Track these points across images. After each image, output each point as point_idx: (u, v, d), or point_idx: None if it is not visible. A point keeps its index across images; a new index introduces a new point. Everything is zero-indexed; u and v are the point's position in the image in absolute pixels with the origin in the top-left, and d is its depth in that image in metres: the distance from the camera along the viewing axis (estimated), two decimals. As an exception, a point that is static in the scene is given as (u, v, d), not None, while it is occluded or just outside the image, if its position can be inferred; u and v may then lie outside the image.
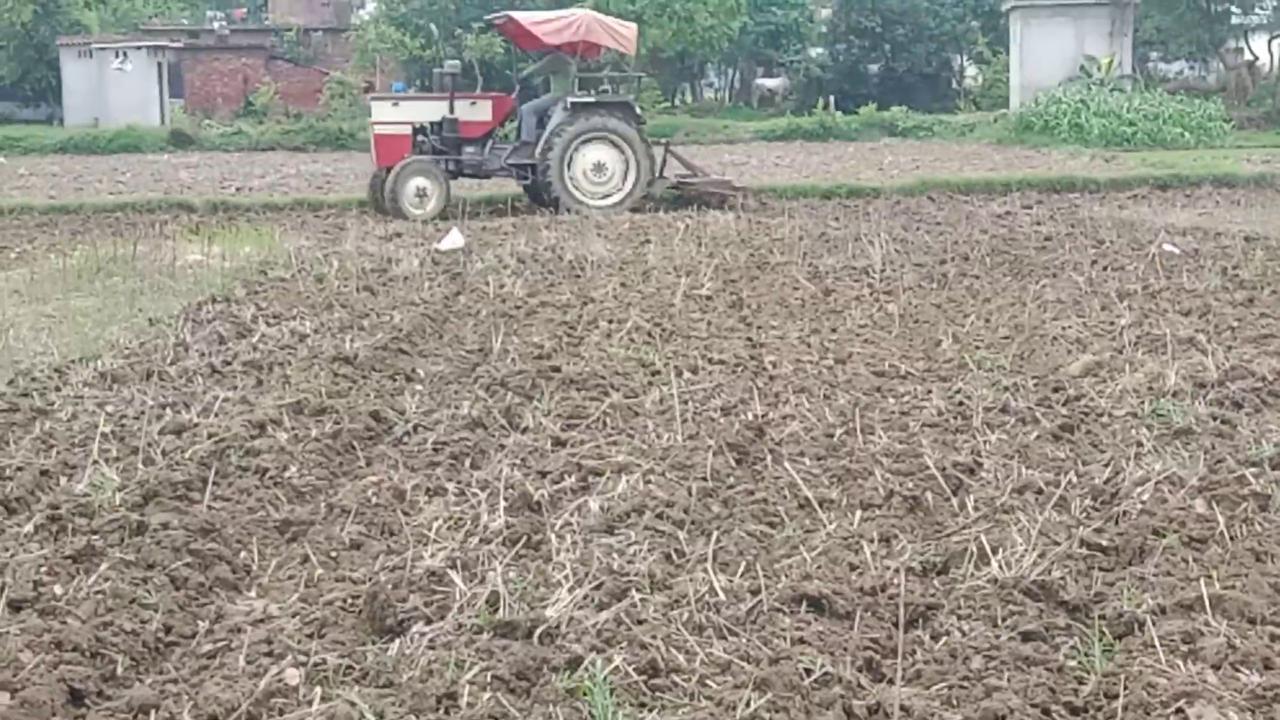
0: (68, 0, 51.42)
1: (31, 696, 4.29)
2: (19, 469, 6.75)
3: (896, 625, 4.80)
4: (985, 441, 7.19)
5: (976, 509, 6.09)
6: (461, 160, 21.24)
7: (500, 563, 5.36)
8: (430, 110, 21.49)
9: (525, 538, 5.74)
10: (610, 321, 10.99)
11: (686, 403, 8.06)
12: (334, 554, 5.77)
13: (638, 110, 22.11)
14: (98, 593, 5.11)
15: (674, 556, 5.53)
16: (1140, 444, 6.98)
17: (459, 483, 6.64)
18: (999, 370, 8.91)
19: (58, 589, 5.18)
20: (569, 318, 11.35)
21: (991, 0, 51.30)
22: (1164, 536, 5.60)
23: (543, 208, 20.96)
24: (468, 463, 7.07)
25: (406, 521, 6.09)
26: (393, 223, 19.51)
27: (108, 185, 26.51)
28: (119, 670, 4.65)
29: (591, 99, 21.51)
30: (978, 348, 9.69)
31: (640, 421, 7.80)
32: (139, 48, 45.20)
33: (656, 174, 21.77)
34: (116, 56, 44.97)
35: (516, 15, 23.79)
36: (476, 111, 21.54)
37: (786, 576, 5.28)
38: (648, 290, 12.71)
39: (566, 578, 5.21)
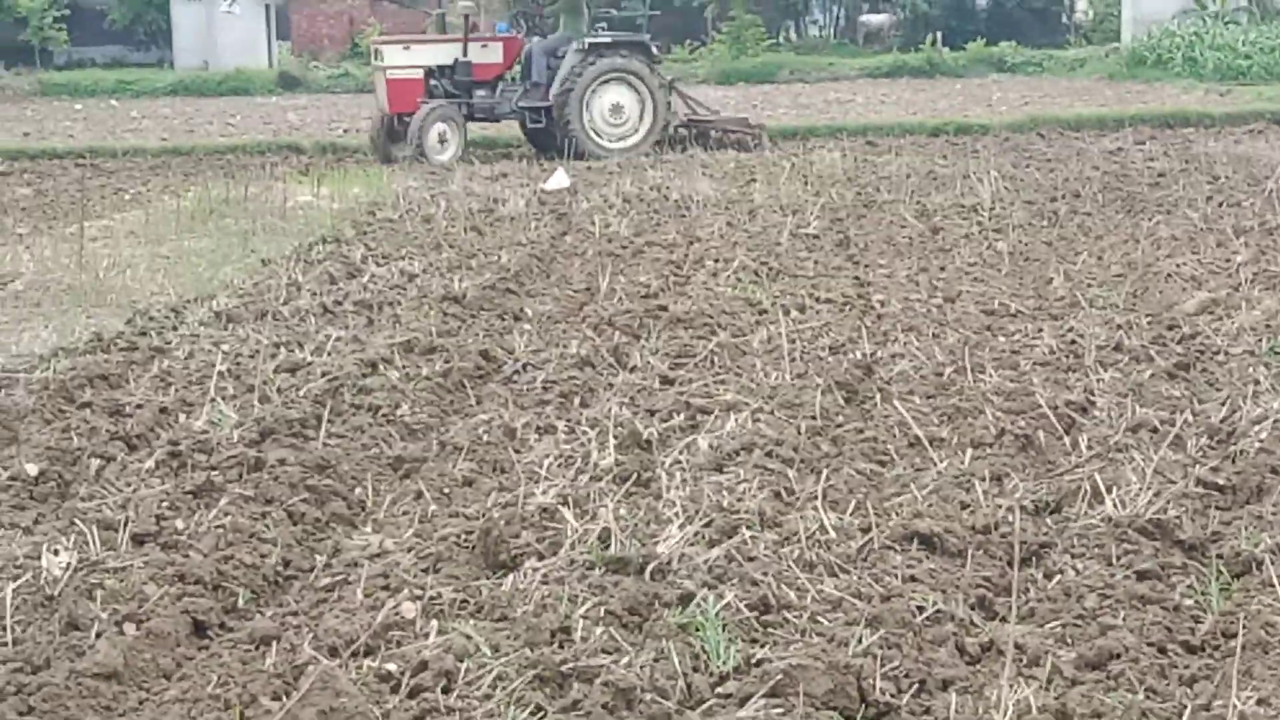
0: (177, -56, 51.88)
1: (157, 628, 4.40)
2: (139, 406, 6.89)
3: (1009, 564, 4.77)
4: (1098, 380, 7.10)
5: (1090, 448, 6.03)
6: (473, 104, 20.48)
7: (611, 500, 5.40)
8: (443, 53, 20.71)
9: (635, 475, 5.76)
10: (716, 261, 10.97)
11: (794, 341, 8.04)
12: (447, 490, 5.84)
13: (654, 50, 21.55)
14: (218, 527, 5.21)
15: (783, 494, 5.54)
16: (1258, 382, 6.87)
17: (569, 421, 6.68)
18: (1112, 308, 8.79)
19: (179, 523, 5.29)
20: (675, 257, 11.35)
21: (1104, -68, 50.28)
22: (1282, 476, 5.51)
23: (545, 154, 20.28)
24: (577, 401, 7.11)
25: (517, 459, 6.14)
26: (498, 164, 19.53)
27: (218, 127, 26.81)
28: (240, 603, 4.75)
29: (608, 39, 20.98)
30: (1090, 286, 9.56)
31: (748, 360, 7.79)
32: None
33: (671, 115, 21.22)
34: (224, 1, 45.34)
35: None
36: (488, 54, 20.85)
37: (897, 515, 5.27)
38: (754, 229, 12.65)
39: (676, 515, 5.24)
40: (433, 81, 20.24)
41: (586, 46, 20.51)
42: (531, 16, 21.89)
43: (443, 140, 19.83)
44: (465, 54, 20.51)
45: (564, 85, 20.26)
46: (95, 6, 53.86)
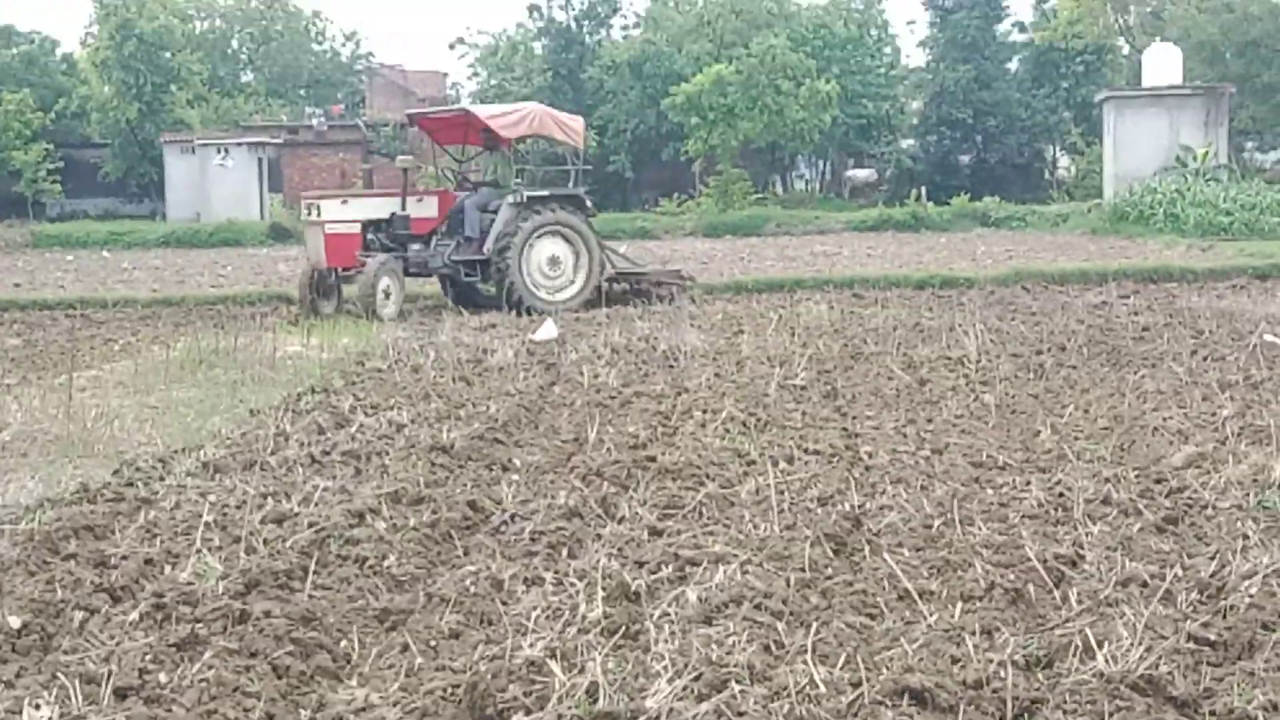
0: (171, 99, 52.68)
1: (137, 783, 4.33)
2: (124, 558, 6.85)
3: None
4: (1087, 533, 7.09)
5: (1080, 602, 6.00)
6: (408, 258, 20.50)
7: (599, 653, 5.35)
8: (380, 207, 20.87)
9: (623, 628, 5.72)
10: (705, 411, 11.00)
11: (783, 493, 8.03)
12: (433, 643, 5.78)
13: (588, 203, 21.76)
14: (201, 680, 5.15)
15: (773, 647, 5.49)
16: (1246, 536, 6.86)
17: (556, 572, 6.65)
18: (1099, 461, 8.81)
19: (162, 677, 5.22)
20: (664, 407, 11.37)
21: (1084, 91, 51.23)
22: (1274, 631, 5.49)
23: (468, 309, 20.20)
24: (565, 552, 7.08)
25: (505, 611, 6.09)
26: (487, 314, 19.62)
27: (209, 278, 27.00)
28: (222, 758, 4.68)
29: (545, 192, 21.13)
30: (1077, 438, 9.59)
31: (736, 511, 7.78)
32: (240, 144, 46.11)
33: (605, 267, 21.37)
34: (218, 153, 45.87)
35: (473, 109, 23.49)
36: (423, 208, 20.91)
37: (887, 669, 5.22)
38: (742, 380, 12.71)
39: (665, 668, 5.19)
40: (369, 235, 20.29)
41: (523, 200, 20.54)
42: (460, 172, 22.12)
43: (387, 294, 19.73)
44: (404, 208, 20.64)
45: (501, 239, 20.26)
46: (89, 159, 54.52)
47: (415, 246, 20.52)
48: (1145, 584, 6.18)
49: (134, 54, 52.89)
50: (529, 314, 19.51)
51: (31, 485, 8.66)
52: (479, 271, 20.57)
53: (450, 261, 20.51)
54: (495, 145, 21.71)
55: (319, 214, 20.17)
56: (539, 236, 20.46)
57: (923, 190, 43.30)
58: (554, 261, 20.66)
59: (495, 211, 20.59)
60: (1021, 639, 5.58)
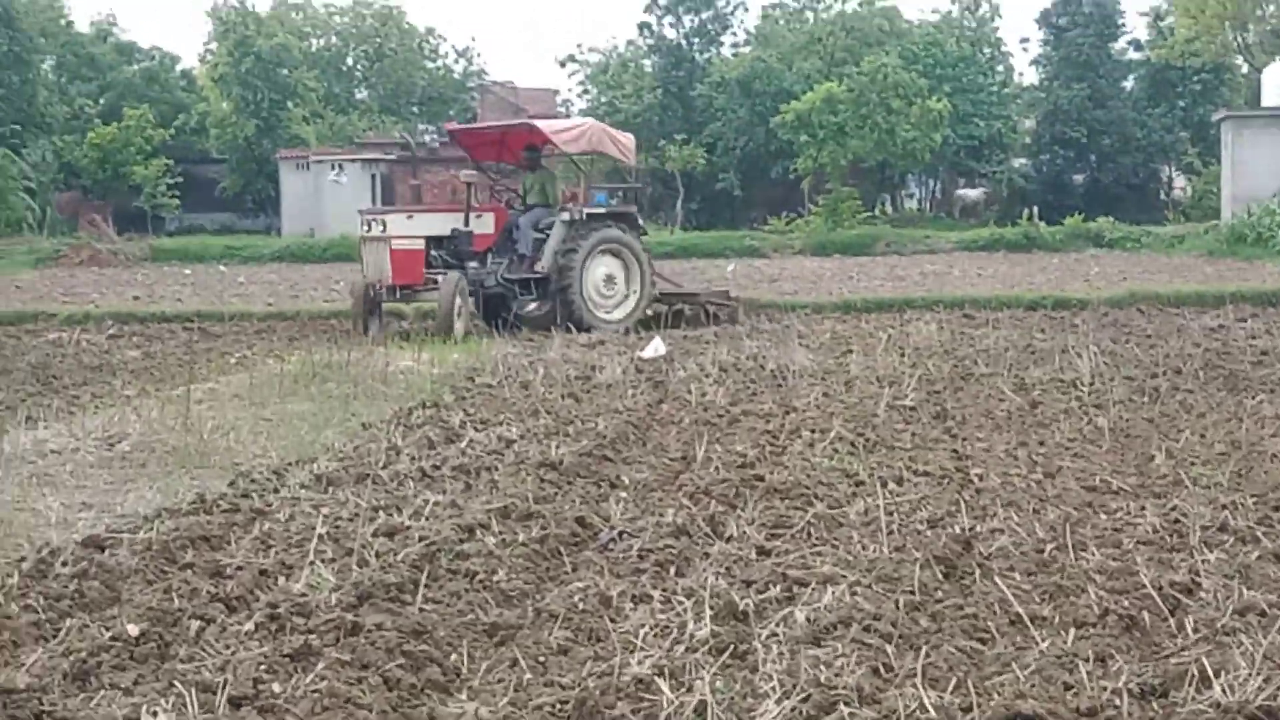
0: (288, 116, 53.51)
1: (251, 791, 4.39)
2: (239, 568, 6.95)
3: (1115, 748, 4.66)
4: (1204, 560, 6.97)
5: (1196, 630, 5.89)
6: (467, 275, 19.79)
7: (707, 671, 5.35)
8: (443, 222, 20.36)
9: (731, 647, 5.71)
10: (813, 431, 10.95)
11: (892, 514, 7.98)
12: (542, 659, 5.80)
13: (639, 221, 21.46)
14: (314, 691, 5.21)
15: (882, 670, 5.45)
16: (1369, 566, 6.71)
17: (664, 590, 6.64)
18: (1216, 487, 8.65)
19: (276, 687, 5.29)
20: (771, 426, 11.35)
21: (1202, 110, 50.51)
22: (1398, 664, 5.36)
23: (500, 331, 19.48)
24: (672, 570, 7.08)
25: (613, 628, 6.10)
26: (595, 332, 19.70)
27: (322, 293, 27.36)
28: (334, 768, 4.73)
29: (601, 210, 20.84)
30: (1193, 464, 9.43)
31: (845, 532, 7.73)
32: (354, 160, 46.75)
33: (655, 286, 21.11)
34: (332, 169, 46.54)
35: (538, 122, 22.94)
36: (483, 224, 20.42)
37: (999, 694, 5.17)
38: (850, 400, 12.65)
39: (774, 689, 5.17)
40: (433, 252, 19.84)
41: (582, 217, 20.24)
42: (508, 189, 21.80)
43: (459, 314, 19.24)
44: (467, 224, 20.21)
45: (559, 256, 19.95)
46: (207, 175, 55.55)
47: (473, 264, 20.10)
48: (1264, 613, 6.06)
49: (252, 71, 53.89)
50: (585, 332, 19.31)
51: (150, 495, 8.83)
52: (533, 290, 20.14)
53: (504, 280, 20.09)
54: (536, 163, 21.38)
55: (385, 229, 19.73)
56: (595, 255, 20.24)
57: (1035, 210, 42.92)
58: (609, 280, 20.46)
59: (547, 229, 20.25)
60: (1136, 667, 5.50)
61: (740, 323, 20.74)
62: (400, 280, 19.55)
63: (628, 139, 22.69)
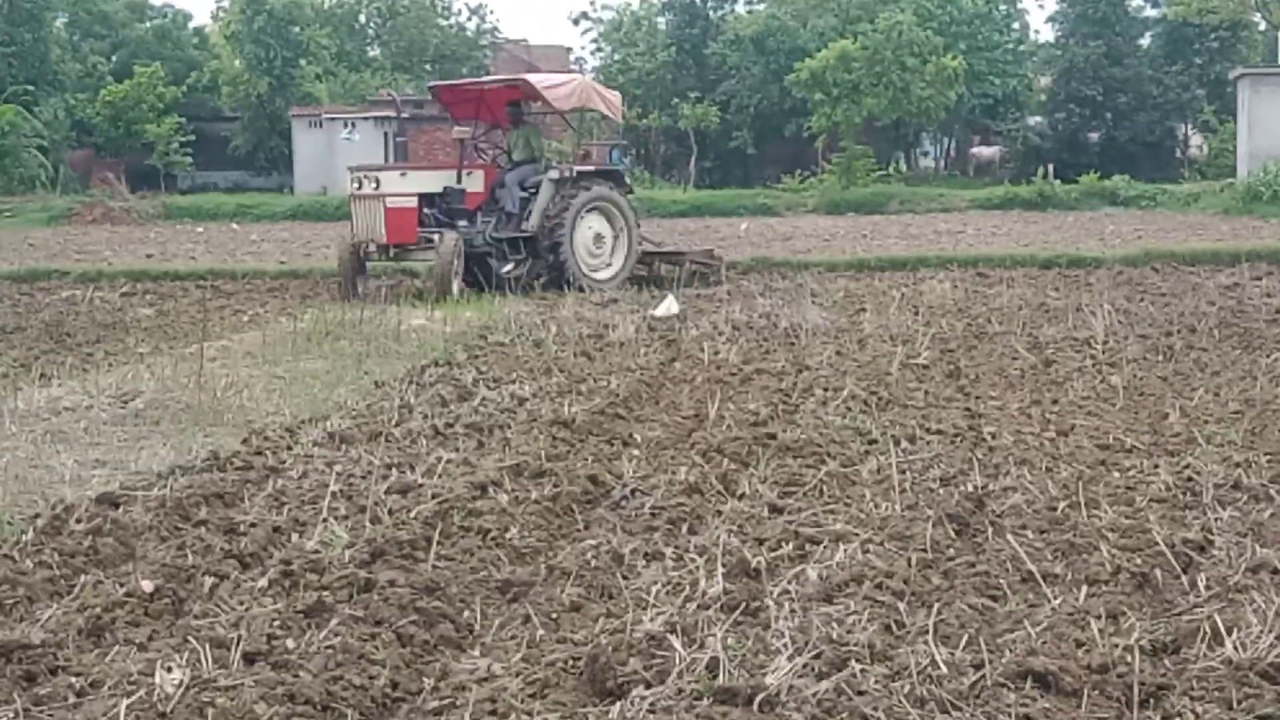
0: (300, 73, 53.40)
1: (265, 746, 4.41)
2: (253, 525, 6.98)
3: (1127, 705, 4.67)
4: (1216, 518, 6.97)
5: (1208, 588, 5.90)
6: (457, 234, 19.24)
7: (719, 629, 5.36)
8: (436, 180, 19.77)
9: (743, 604, 5.72)
10: (826, 389, 10.95)
11: (904, 472, 7.98)
12: (554, 616, 5.82)
13: (627, 180, 21.16)
14: (328, 648, 5.23)
15: (894, 627, 5.46)
16: (1382, 524, 6.70)
17: (676, 548, 6.66)
18: (1229, 445, 8.63)
19: (290, 643, 5.32)
20: (784, 385, 11.34)
21: (1218, 68, 50.24)
22: None
23: (479, 291, 18.89)
24: (685, 528, 7.09)
25: (625, 585, 6.12)
26: (584, 292, 19.63)
27: (335, 251, 27.26)
28: (348, 724, 4.75)
29: (591, 168, 20.52)
30: (1207, 422, 9.42)
31: (857, 490, 7.74)
32: (366, 118, 46.63)
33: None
34: (345, 126, 46.44)
35: (530, 77, 22.43)
36: (473, 182, 19.86)
37: (1010, 651, 5.18)
38: (864, 359, 12.64)
39: (785, 645, 5.18)
40: (425, 210, 19.28)
41: (574, 175, 19.86)
42: (494, 146, 21.04)
43: (455, 274, 18.91)
44: (459, 181, 19.68)
45: (549, 215, 19.57)
46: (219, 133, 55.51)
47: (463, 223, 19.57)
48: (1276, 570, 6.05)
49: (264, 28, 53.75)
50: (579, 291, 18.94)
51: (164, 453, 8.85)
52: (520, 249, 19.71)
53: (491, 238, 19.61)
54: (520, 119, 20.81)
55: (378, 186, 19.06)
56: (585, 214, 19.84)
57: (1050, 168, 42.76)
58: (598, 239, 20.11)
59: (533, 188, 19.87)
60: (1148, 624, 5.51)
61: (722, 282, 20.53)
62: (394, 239, 19.09)
63: (615, 96, 22.30)
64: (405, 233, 19.03)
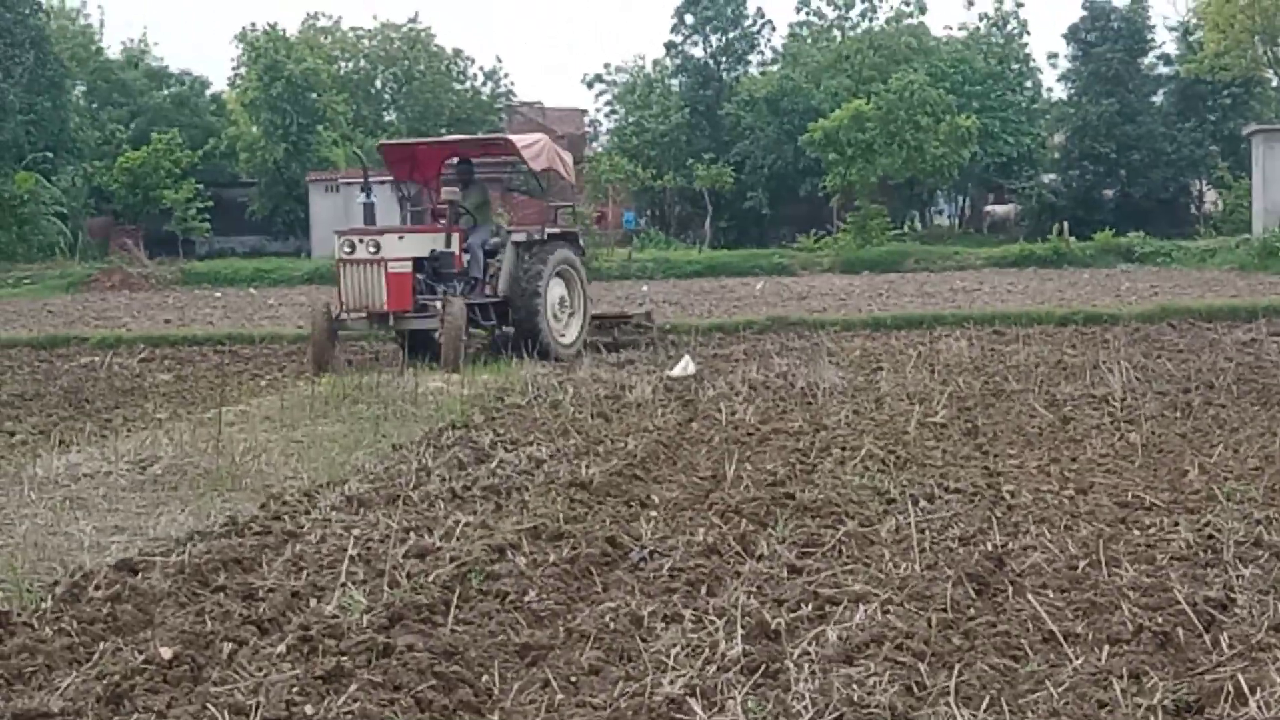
0: (317, 139, 53.77)
1: (284, 813, 4.39)
2: (271, 590, 6.97)
3: (1150, 766, 4.63)
4: (1238, 576, 6.92)
5: (1231, 646, 5.85)
6: (463, 299, 18.34)
7: (739, 691, 5.34)
8: (427, 243, 18.74)
9: (763, 666, 5.69)
10: (843, 449, 10.93)
11: (923, 531, 7.96)
12: (574, 679, 5.80)
13: (581, 243, 20.85)
14: (347, 713, 5.22)
15: (915, 689, 5.44)
16: (1406, 581, 6.66)
17: (695, 609, 6.64)
18: (1250, 502, 8.60)
19: (309, 709, 5.30)
20: (802, 445, 11.33)
21: (1232, 124, 50.33)
22: None
23: (420, 359, 18.04)
24: (704, 589, 7.07)
25: (644, 648, 6.10)
26: (623, 351, 19.71)
27: (352, 315, 27.37)
28: (367, 790, 4.73)
29: (557, 230, 19.97)
30: (1226, 479, 9.38)
31: (876, 550, 7.72)
32: (382, 182, 46.80)
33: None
34: (360, 191, 46.64)
35: (513, 137, 21.82)
36: (454, 245, 18.87)
37: (1033, 713, 5.15)
38: (881, 418, 12.62)
39: (806, 708, 5.16)
40: (419, 275, 18.38)
41: (544, 238, 19.41)
42: (456, 208, 19.42)
43: (463, 339, 17.98)
44: (448, 244, 18.75)
45: (519, 280, 18.96)
46: (237, 198, 55.85)
47: (442, 287, 18.61)
48: (1299, 629, 6.02)
49: (282, 95, 54.14)
50: (546, 359, 18.32)
51: (182, 518, 8.87)
52: (492, 315, 19.01)
53: (466, 305, 18.40)
54: (469, 179, 19.92)
55: (378, 250, 17.94)
56: (553, 277, 19.31)
57: (1065, 225, 42.80)
58: (563, 302, 19.65)
59: (491, 251, 19.21)
60: (1171, 684, 5.47)
61: (656, 345, 20.22)
62: (394, 306, 18.01)
63: (569, 157, 21.98)
64: (404, 299, 18.09)
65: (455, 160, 20.58)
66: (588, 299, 20.35)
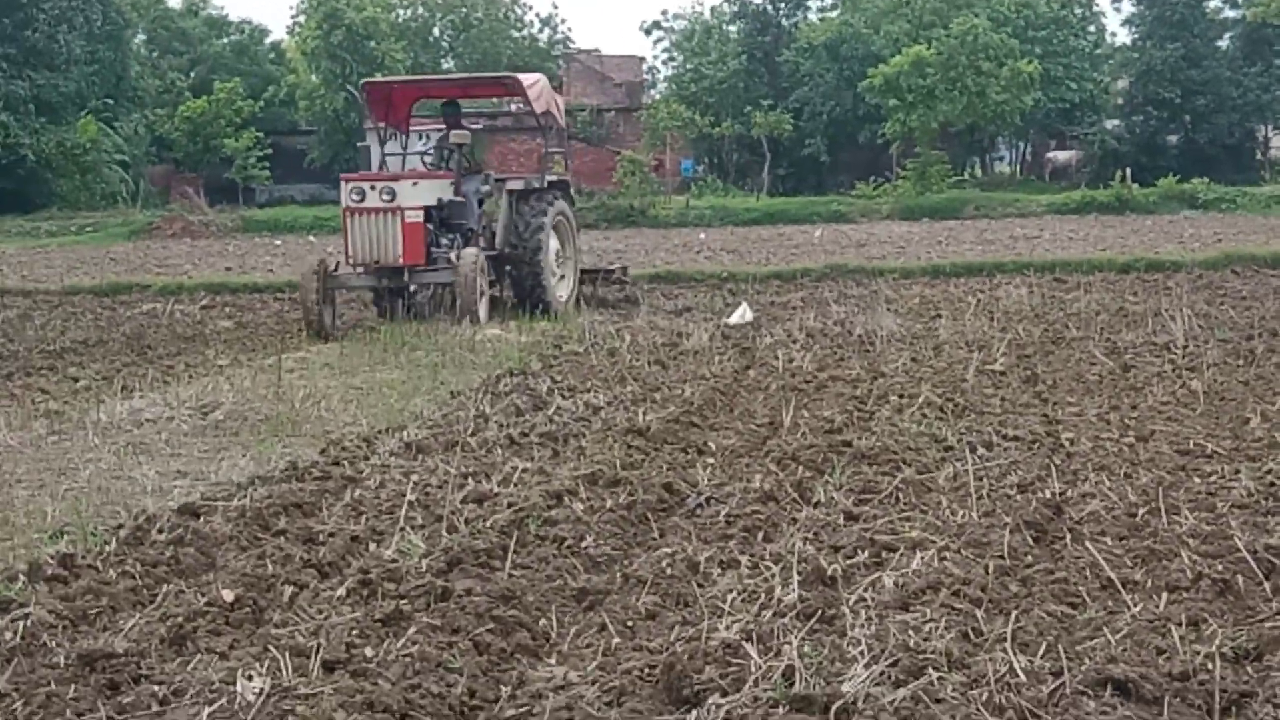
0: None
1: (345, 753, 4.44)
2: (331, 535, 7.04)
3: (1209, 713, 4.61)
4: (1300, 524, 6.87)
5: (1292, 594, 5.82)
6: (478, 250, 17.20)
7: (795, 636, 5.34)
8: (441, 190, 17.41)
9: (819, 612, 5.70)
10: (901, 396, 10.90)
11: (981, 479, 7.93)
12: (630, 624, 5.83)
13: (571, 191, 19.55)
14: (406, 656, 5.27)
15: (971, 635, 5.43)
16: None
17: (752, 555, 6.65)
18: (1313, 450, 8.52)
19: (369, 651, 5.36)
20: (859, 392, 11.30)
21: (1299, 67, 49.56)
22: None
23: (392, 320, 17.01)
24: (760, 536, 7.08)
25: (700, 593, 6.12)
26: (678, 298, 19.65)
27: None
28: (426, 731, 4.78)
29: (554, 177, 18.81)
30: (1289, 427, 9.29)
31: (934, 497, 7.70)
32: (440, 130, 46.82)
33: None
34: (420, 139, 46.66)
35: (520, 76, 20.05)
36: (463, 193, 17.64)
37: (1090, 659, 5.13)
38: (939, 365, 12.57)
39: (862, 653, 5.16)
40: (428, 225, 17.08)
41: (545, 185, 18.28)
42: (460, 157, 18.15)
43: (482, 292, 16.84)
44: (457, 192, 17.48)
45: (519, 233, 17.76)
46: (296, 146, 56.03)
47: (446, 239, 17.45)
48: (1361, 577, 5.97)
49: (341, 44, 54.19)
50: (543, 314, 17.34)
51: (243, 463, 8.95)
52: (489, 270, 17.53)
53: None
54: (457, 123, 18.52)
55: (393, 199, 16.63)
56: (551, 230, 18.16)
57: (1127, 172, 42.32)
58: (559, 255, 18.55)
59: (480, 202, 17.94)
60: (1229, 631, 5.44)
61: (632, 300, 19.17)
62: (410, 259, 16.76)
63: (560, 100, 20.56)
64: (419, 251, 16.83)
65: (444, 102, 19.29)
66: (577, 249, 19.35)
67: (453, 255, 16.82)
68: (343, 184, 17.14)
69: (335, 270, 17.20)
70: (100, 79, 52.70)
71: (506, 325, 16.26)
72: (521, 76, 19.56)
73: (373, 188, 16.78)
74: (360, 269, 17.02)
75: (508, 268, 17.93)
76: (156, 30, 61.64)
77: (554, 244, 18.28)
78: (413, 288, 17.42)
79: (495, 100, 35.69)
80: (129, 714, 4.82)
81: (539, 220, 17.86)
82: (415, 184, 17.07)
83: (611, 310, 18.61)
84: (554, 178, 18.88)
